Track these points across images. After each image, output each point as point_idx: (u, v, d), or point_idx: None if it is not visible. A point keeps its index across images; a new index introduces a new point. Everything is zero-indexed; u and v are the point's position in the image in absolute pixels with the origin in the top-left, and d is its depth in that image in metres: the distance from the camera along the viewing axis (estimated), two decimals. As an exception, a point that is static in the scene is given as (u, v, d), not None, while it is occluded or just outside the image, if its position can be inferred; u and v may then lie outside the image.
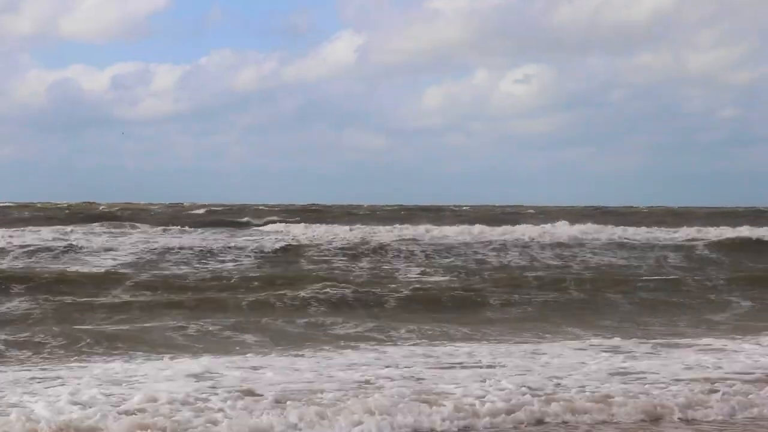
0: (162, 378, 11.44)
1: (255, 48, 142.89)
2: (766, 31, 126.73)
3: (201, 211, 59.94)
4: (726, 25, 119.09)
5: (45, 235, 32.91)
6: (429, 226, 38.52)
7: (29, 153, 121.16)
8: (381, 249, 29.92)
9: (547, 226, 37.56)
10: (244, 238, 33.90)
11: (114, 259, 27.17)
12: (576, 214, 47.65)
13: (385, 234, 35.12)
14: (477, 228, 37.48)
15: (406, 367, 12.42)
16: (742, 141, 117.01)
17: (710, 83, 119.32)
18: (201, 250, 29.02)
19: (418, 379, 11.63)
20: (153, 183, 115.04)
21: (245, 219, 48.67)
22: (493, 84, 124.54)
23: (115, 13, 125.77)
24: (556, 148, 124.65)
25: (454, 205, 71.89)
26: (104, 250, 28.83)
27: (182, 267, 26.42)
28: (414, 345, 15.03)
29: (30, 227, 37.08)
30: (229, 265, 26.96)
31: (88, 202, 75.12)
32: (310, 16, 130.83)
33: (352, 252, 29.56)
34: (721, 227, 38.82)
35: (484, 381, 11.38)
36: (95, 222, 42.31)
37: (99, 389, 10.60)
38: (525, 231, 35.52)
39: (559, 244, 31.93)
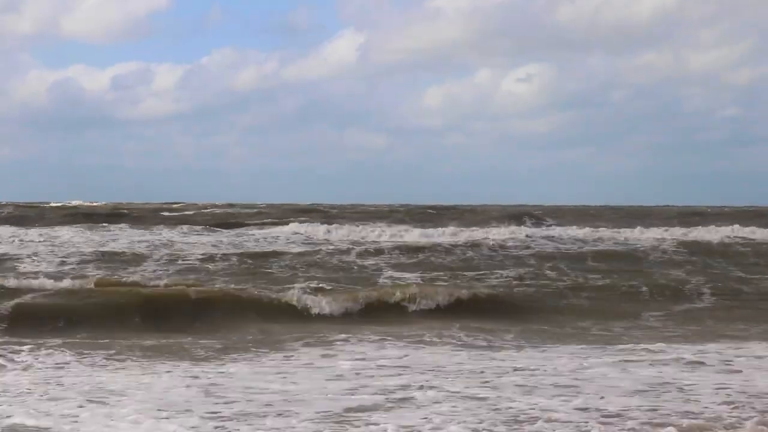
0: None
1: (255, 47, 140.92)
2: (766, 31, 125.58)
3: (191, 212, 57.27)
4: (726, 24, 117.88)
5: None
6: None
7: (29, 153, 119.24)
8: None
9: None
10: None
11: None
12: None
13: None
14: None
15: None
16: (742, 141, 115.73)
17: (711, 83, 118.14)
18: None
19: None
20: (153, 183, 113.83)
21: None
22: (494, 83, 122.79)
23: (116, 13, 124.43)
24: (556, 147, 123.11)
25: (454, 206, 69.30)
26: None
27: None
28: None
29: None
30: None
31: (79, 203, 72.65)
32: (310, 15, 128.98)
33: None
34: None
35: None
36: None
37: None
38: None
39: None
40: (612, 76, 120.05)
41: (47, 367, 11.71)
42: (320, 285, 19.48)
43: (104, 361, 12.26)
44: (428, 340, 14.34)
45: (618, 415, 8.99)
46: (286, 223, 39.45)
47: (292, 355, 12.80)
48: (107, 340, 14.04)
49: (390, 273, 23.03)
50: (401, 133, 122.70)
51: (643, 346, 13.75)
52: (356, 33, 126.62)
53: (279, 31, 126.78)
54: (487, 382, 10.70)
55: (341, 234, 33.53)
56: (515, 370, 11.51)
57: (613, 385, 10.52)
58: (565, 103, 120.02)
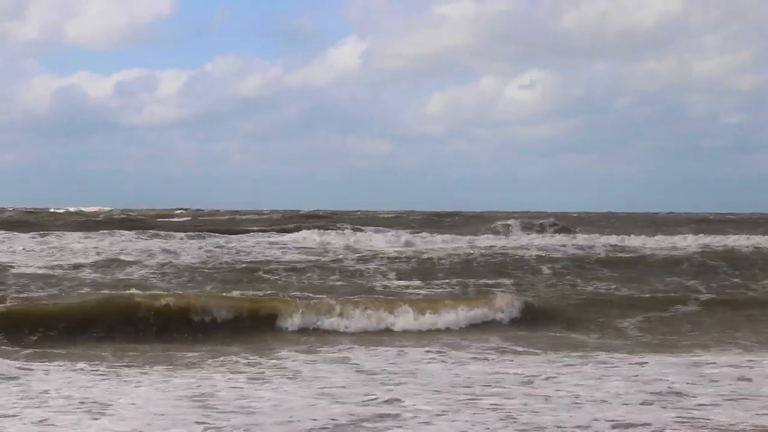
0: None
1: (258, 53, 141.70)
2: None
3: (191, 218, 57.02)
4: (730, 30, 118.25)
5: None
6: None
7: (32, 158, 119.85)
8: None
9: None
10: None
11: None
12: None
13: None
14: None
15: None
16: (745, 147, 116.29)
17: (714, 89, 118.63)
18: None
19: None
20: (155, 189, 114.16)
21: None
22: (498, 90, 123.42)
23: (120, 20, 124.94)
24: (559, 154, 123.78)
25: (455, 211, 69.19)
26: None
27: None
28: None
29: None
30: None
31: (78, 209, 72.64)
32: (313, 21, 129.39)
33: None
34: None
35: None
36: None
37: None
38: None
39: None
40: (616, 82, 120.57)
41: (31, 377, 11.27)
42: (318, 293, 19.04)
43: (89, 370, 11.84)
44: (421, 348, 13.96)
45: (630, 426, 8.51)
46: (288, 230, 39.11)
47: (288, 365, 12.35)
48: (92, 350, 13.72)
49: (391, 280, 22.64)
50: (404, 140, 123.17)
51: (638, 354, 13.44)
52: (359, 39, 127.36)
53: (282, 38, 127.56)
54: (484, 388, 10.37)
55: (342, 241, 33.13)
56: (512, 376, 11.15)
57: (616, 393, 10.07)
58: (568, 109, 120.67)
